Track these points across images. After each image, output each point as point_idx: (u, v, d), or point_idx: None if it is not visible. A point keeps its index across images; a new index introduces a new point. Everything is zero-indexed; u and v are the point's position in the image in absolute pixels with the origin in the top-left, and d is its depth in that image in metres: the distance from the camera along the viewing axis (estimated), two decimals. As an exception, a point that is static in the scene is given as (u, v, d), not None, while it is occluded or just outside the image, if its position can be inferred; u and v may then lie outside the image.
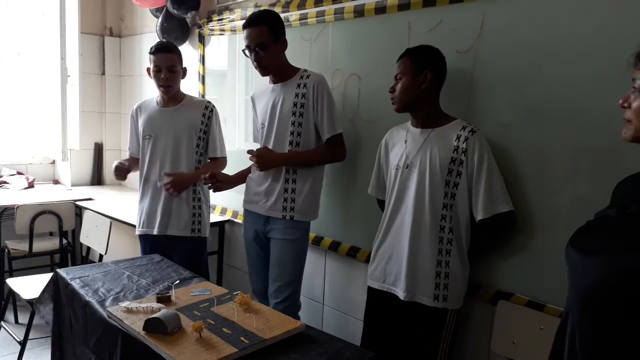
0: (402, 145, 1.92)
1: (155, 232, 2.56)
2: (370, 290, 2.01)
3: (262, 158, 2.17)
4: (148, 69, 2.57)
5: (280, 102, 2.20)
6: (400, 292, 1.87)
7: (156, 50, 2.50)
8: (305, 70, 2.22)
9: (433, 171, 1.81)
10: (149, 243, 2.62)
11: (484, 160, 1.76)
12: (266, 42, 2.12)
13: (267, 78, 2.29)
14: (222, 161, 2.66)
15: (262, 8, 2.62)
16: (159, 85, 2.52)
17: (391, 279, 1.91)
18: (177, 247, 2.57)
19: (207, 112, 2.58)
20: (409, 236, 1.85)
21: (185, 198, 2.54)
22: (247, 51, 2.18)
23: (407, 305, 1.86)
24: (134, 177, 2.75)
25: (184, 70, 2.59)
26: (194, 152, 2.56)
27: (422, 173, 1.83)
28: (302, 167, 2.20)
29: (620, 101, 1.05)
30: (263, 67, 2.18)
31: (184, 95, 2.63)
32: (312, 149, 2.20)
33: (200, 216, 2.59)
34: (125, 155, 3.26)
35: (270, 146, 2.23)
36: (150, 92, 3.86)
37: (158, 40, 3.44)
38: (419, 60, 1.83)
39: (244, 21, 2.20)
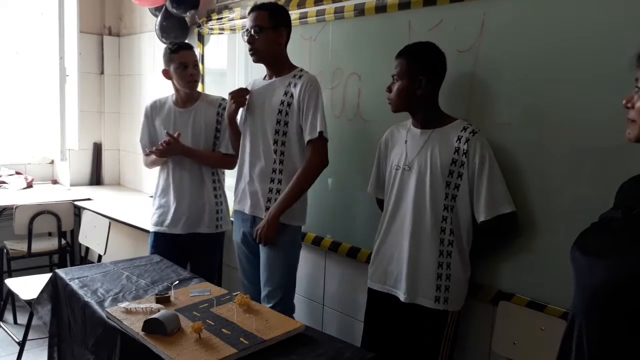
0: (402, 145, 1.91)
1: (180, 232, 2.52)
2: (371, 291, 2.00)
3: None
4: (165, 71, 2.53)
5: (269, 97, 2.17)
6: (401, 294, 1.86)
7: (179, 48, 2.50)
8: (301, 70, 2.18)
9: (434, 172, 1.80)
10: (166, 241, 2.55)
11: (486, 161, 1.75)
12: (263, 24, 2.10)
13: (264, 74, 2.27)
14: (228, 159, 2.54)
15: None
16: (187, 82, 2.49)
17: (392, 281, 1.90)
18: (199, 244, 2.55)
19: (220, 109, 2.57)
20: (409, 238, 1.84)
21: (207, 195, 2.54)
22: (244, 35, 2.15)
23: (408, 307, 1.85)
24: (131, 176, 2.74)
25: None
26: (212, 151, 2.57)
27: (422, 174, 1.82)
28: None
29: (624, 102, 1.05)
30: (255, 51, 2.13)
31: (200, 93, 2.63)
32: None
33: (221, 212, 2.60)
34: (125, 155, 3.26)
35: (257, 141, 2.19)
36: (150, 91, 3.86)
37: (157, 39, 3.44)
38: (416, 66, 1.80)
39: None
